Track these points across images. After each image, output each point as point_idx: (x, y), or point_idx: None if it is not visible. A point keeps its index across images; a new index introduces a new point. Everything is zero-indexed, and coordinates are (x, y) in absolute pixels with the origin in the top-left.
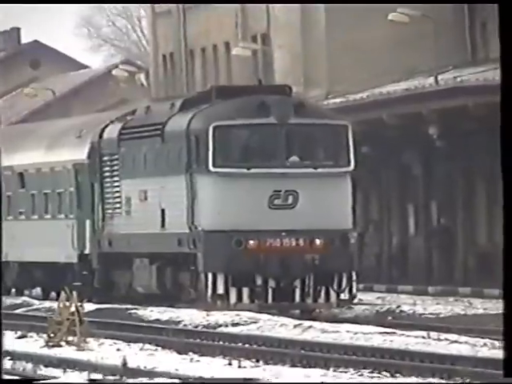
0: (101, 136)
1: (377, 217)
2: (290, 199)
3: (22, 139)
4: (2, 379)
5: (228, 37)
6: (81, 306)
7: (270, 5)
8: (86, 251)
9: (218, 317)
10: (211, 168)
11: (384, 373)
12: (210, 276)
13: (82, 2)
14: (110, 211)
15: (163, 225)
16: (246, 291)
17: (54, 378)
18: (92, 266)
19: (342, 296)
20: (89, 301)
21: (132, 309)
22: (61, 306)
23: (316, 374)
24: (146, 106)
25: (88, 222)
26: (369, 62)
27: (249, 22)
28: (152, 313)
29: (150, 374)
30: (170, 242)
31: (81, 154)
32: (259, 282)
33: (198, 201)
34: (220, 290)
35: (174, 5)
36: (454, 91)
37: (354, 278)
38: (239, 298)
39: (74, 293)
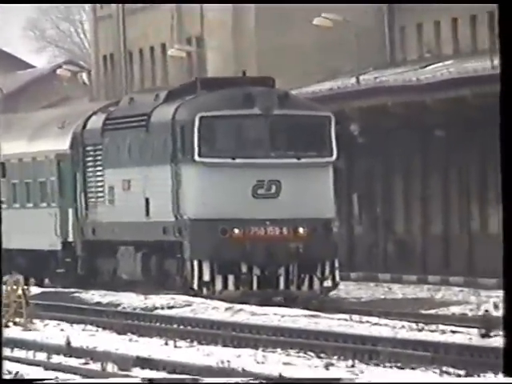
0: (84, 126)
1: None
2: (274, 188)
3: (3, 130)
4: (2, 379)
5: (164, 39)
6: (27, 289)
7: (204, 9)
8: (70, 239)
9: (155, 300)
10: (196, 158)
11: (309, 353)
12: (195, 263)
13: (67, 2)
14: (93, 200)
15: (148, 213)
16: (231, 278)
17: (55, 378)
18: (76, 253)
19: (326, 283)
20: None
21: (75, 292)
22: (8, 289)
23: (246, 353)
24: (130, 97)
25: (71, 211)
26: (295, 62)
27: (184, 25)
28: (93, 296)
29: (92, 353)
30: (155, 230)
31: (63, 144)
32: (244, 269)
33: (184, 190)
34: (206, 277)
35: (115, 9)
36: (374, 91)
37: (337, 265)
38: (225, 285)
39: (21, 277)
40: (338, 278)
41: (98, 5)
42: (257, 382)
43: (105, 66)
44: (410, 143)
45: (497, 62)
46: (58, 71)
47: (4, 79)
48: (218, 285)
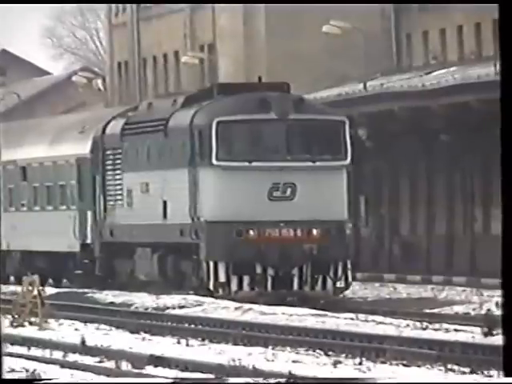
0: (104, 131)
1: None
2: (289, 191)
3: (25, 135)
4: (2, 379)
5: (177, 46)
6: (42, 289)
7: (216, 17)
8: (88, 241)
9: (167, 300)
10: (214, 161)
11: (318, 351)
12: (211, 264)
13: (76, 2)
14: (111, 203)
15: (165, 216)
16: (246, 279)
17: (55, 378)
18: (94, 254)
19: (338, 284)
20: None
21: (89, 292)
22: (24, 289)
23: (256, 352)
24: (148, 103)
25: (90, 213)
26: (305, 69)
27: (196, 33)
28: (107, 296)
29: (106, 351)
30: (172, 232)
31: (84, 148)
32: (259, 270)
33: (201, 193)
34: (222, 278)
35: (129, 17)
36: (381, 96)
37: (350, 266)
38: (240, 285)
39: (37, 278)
40: (350, 278)
41: (113, 13)
42: (283, 381)
43: (119, 72)
44: (415, 147)
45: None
46: (74, 78)
47: (22, 85)
48: (234, 285)
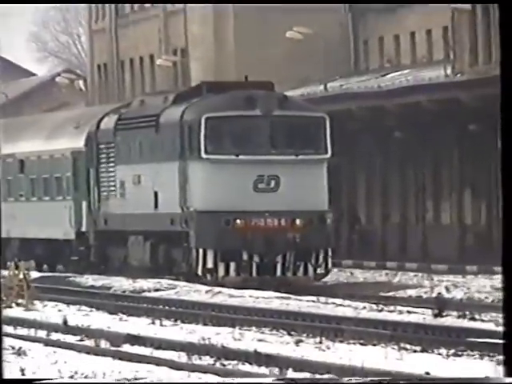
0: (98, 126)
1: None
2: (273, 183)
3: (23, 130)
4: (2, 379)
5: (153, 50)
6: (28, 273)
7: (188, 24)
8: (83, 229)
9: (143, 283)
10: (203, 155)
11: (281, 331)
12: (200, 251)
13: (73, 2)
14: (105, 193)
15: (156, 206)
16: (232, 266)
17: (55, 378)
18: (89, 242)
19: (319, 270)
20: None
21: (71, 276)
22: (11, 273)
23: (224, 331)
24: (140, 100)
25: (84, 203)
26: (270, 71)
27: (170, 38)
28: (88, 280)
29: (87, 330)
30: (163, 221)
31: (79, 142)
32: (245, 257)
33: (190, 184)
34: (209, 264)
35: (108, 23)
36: (340, 97)
37: (330, 254)
38: (227, 271)
39: (22, 263)
40: (330, 265)
41: (93, 19)
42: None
43: (99, 74)
44: (371, 144)
45: (449, 71)
46: (57, 79)
47: (9, 86)
48: (221, 271)
